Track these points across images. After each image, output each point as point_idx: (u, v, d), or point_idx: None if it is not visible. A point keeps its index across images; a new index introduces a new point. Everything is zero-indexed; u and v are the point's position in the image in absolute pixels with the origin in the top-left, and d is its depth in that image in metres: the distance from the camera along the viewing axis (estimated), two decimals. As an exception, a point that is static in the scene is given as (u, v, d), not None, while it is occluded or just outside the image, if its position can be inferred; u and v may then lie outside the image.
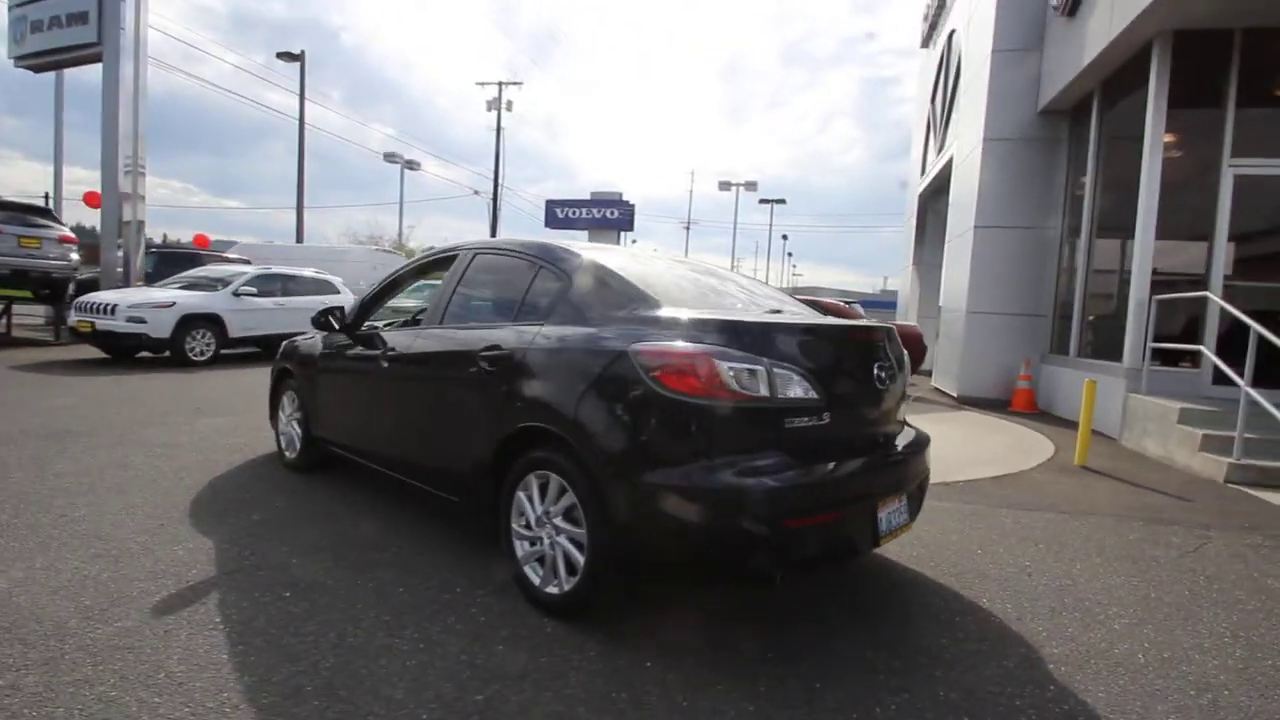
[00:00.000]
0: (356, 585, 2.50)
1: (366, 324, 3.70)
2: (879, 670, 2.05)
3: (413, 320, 3.77)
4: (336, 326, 3.64)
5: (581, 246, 2.76)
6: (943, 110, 12.43)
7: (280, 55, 20.97)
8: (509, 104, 32.99)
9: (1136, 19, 5.83)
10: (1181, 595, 2.75)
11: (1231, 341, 5.48)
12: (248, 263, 12.43)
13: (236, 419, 5.53)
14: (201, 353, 9.18)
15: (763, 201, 48.83)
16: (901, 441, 2.52)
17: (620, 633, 2.20)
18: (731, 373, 1.96)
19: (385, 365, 3.13)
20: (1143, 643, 2.32)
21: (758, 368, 1.99)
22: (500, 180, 32.75)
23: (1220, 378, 5.65)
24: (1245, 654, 2.27)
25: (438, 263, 3.35)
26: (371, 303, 3.70)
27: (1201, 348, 5.57)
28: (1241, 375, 4.69)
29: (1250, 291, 5.95)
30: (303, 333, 4.23)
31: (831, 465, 2.11)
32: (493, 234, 31.85)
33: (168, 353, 8.90)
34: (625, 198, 41.49)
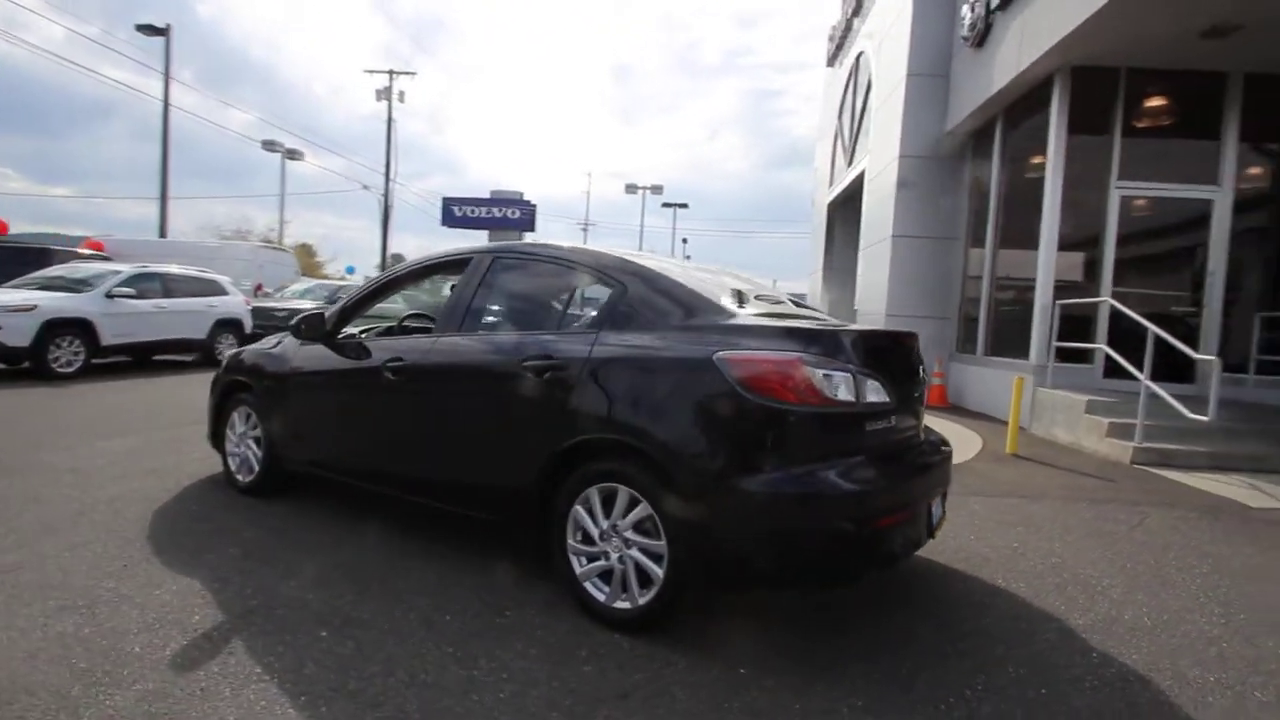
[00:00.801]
0: (396, 617, 2.29)
1: (346, 332, 3.41)
2: (949, 655, 2.17)
3: (404, 329, 3.53)
4: (316, 336, 3.31)
5: (621, 251, 2.70)
6: (852, 126, 13.29)
7: (141, 28, 18.75)
8: (401, 94, 30.59)
9: (1042, 55, 6.55)
10: (1149, 564, 3.13)
11: (1117, 341, 6.28)
12: (107, 259, 11.02)
13: (140, 438, 4.89)
14: (68, 363, 7.97)
15: (665, 205, 49.87)
16: (933, 439, 2.68)
17: (698, 644, 2.17)
18: (824, 379, 2.00)
19: (393, 377, 2.89)
20: (1142, 609, 2.61)
21: (845, 374, 2.04)
22: (392, 175, 30.47)
23: (1110, 372, 6.47)
24: (1222, 610, 2.62)
25: (445, 266, 3.14)
26: (353, 309, 3.40)
27: (1103, 346, 6.34)
28: (1140, 371, 5.39)
29: (1131, 297, 6.84)
30: (223, 340, 3.80)
31: (902, 465, 2.20)
32: (385, 232, 29.94)
33: (27, 364, 7.70)
34: (525, 197, 40.95)
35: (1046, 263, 6.94)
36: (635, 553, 2.21)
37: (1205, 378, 6.12)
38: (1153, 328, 5.39)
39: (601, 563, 2.29)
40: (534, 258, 2.82)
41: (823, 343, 2.09)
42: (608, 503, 2.27)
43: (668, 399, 2.14)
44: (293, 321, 3.36)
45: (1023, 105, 7.70)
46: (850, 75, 13.56)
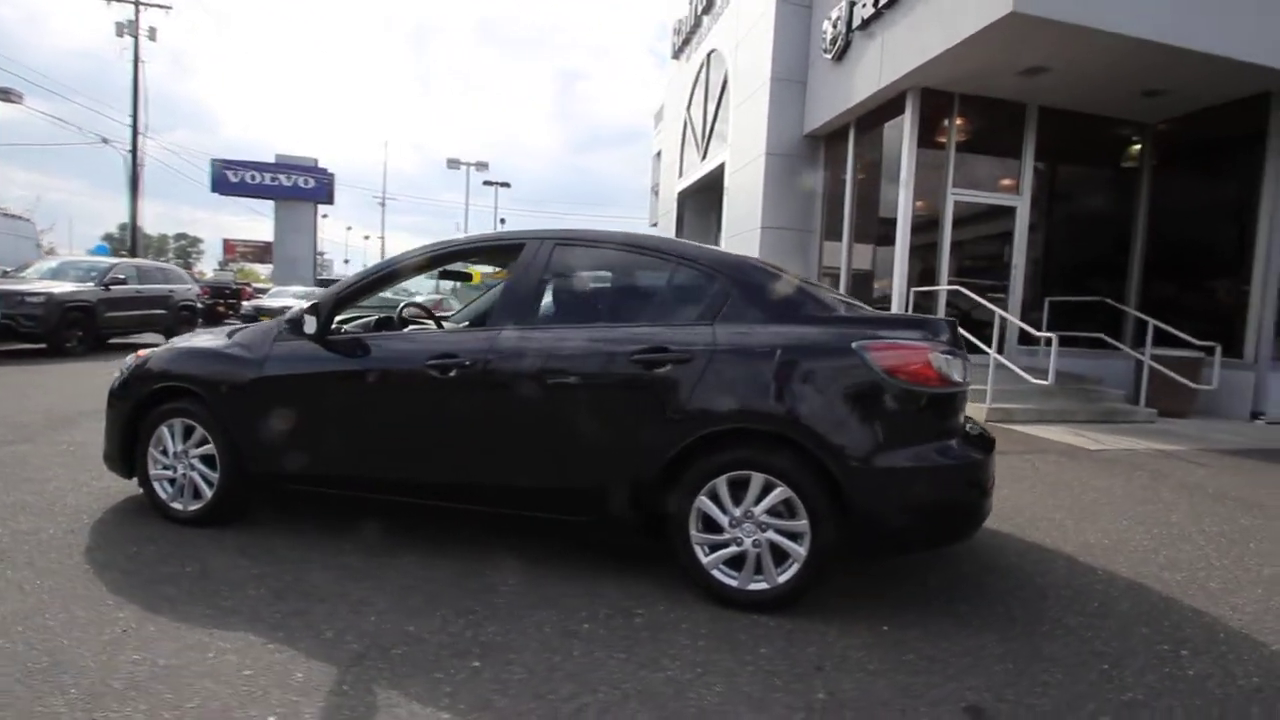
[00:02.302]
0: (533, 634, 2.14)
1: (345, 326, 2.96)
2: (1016, 618, 2.53)
3: (403, 321, 3.14)
4: (311, 330, 2.82)
5: (693, 243, 2.71)
6: (704, 120, 14.06)
7: None
8: (151, 31, 24.53)
9: (901, 77, 7.60)
10: (1068, 497, 3.95)
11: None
12: None
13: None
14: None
15: (487, 184, 47.93)
16: None
17: (826, 613, 2.34)
18: (945, 362, 2.27)
19: (443, 376, 2.59)
20: (1086, 527, 3.33)
21: (955, 357, 2.33)
22: (141, 129, 24.11)
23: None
24: (1116, 515, 3.44)
25: (482, 252, 2.87)
26: (347, 299, 2.95)
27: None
28: (988, 346, 6.63)
29: (962, 285, 8.29)
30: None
31: (979, 435, 2.57)
32: (134, 197, 24.21)
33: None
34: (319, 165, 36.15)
35: (902, 256, 8.12)
36: (771, 535, 2.31)
37: (1013, 351, 7.72)
38: (1000, 311, 6.66)
39: (731, 549, 2.35)
40: (609, 246, 2.71)
41: (937, 329, 2.36)
42: (736, 490, 2.33)
43: (809, 386, 2.26)
44: (286, 317, 2.82)
45: (875, 116, 8.84)
46: (701, 71, 14.29)
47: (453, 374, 2.59)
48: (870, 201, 9.27)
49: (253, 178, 35.34)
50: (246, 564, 2.60)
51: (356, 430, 2.79)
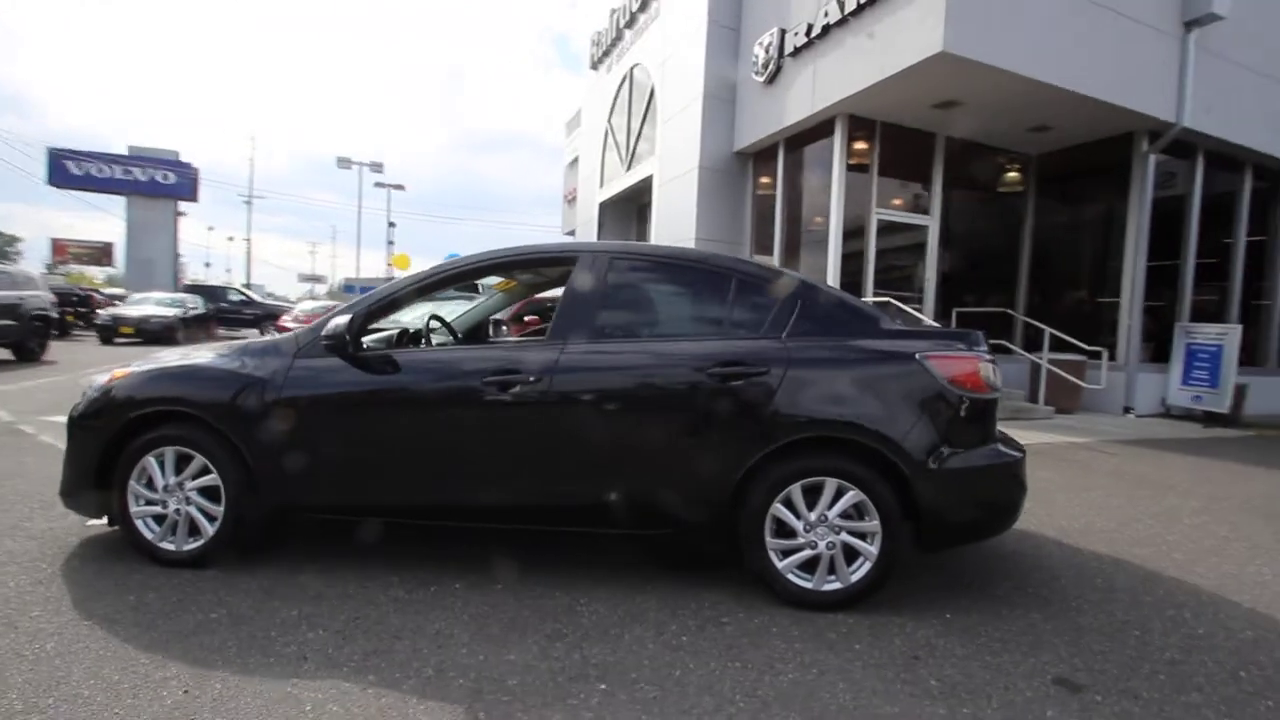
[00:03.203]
0: (638, 650, 2.13)
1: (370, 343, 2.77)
2: (1047, 599, 2.89)
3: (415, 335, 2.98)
4: (343, 346, 2.61)
5: (749, 259, 2.80)
6: (628, 132, 14.25)
7: None
8: None
9: (832, 104, 8.16)
10: (1078, 494, 4.42)
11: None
12: None
13: None
14: None
15: (380, 185, 45.41)
16: None
17: (893, 605, 2.50)
18: (991, 371, 2.51)
19: (505, 394, 2.50)
20: (1045, 507, 3.76)
21: (996, 365, 2.58)
22: None
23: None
24: (1069, 487, 3.93)
25: (531, 264, 2.79)
26: (379, 313, 2.77)
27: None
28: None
29: (885, 297, 8.99)
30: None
31: (1012, 439, 2.85)
32: None
33: None
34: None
35: (834, 270, 8.69)
36: (844, 537, 2.44)
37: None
38: (923, 318, 7.28)
39: (805, 553, 2.45)
40: (667, 261, 2.75)
41: (976, 340, 2.60)
42: (810, 495, 2.44)
43: (880, 395, 2.42)
44: (323, 333, 2.58)
45: (804, 137, 9.41)
46: (624, 83, 14.49)
47: (515, 390, 2.50)
48: (799, 216, 9.83)
49: (100, 170, 31.43)
50: (280, 605, 2.37)
51: (401, 453, 2.62)
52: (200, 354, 2.86)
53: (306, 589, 2.50)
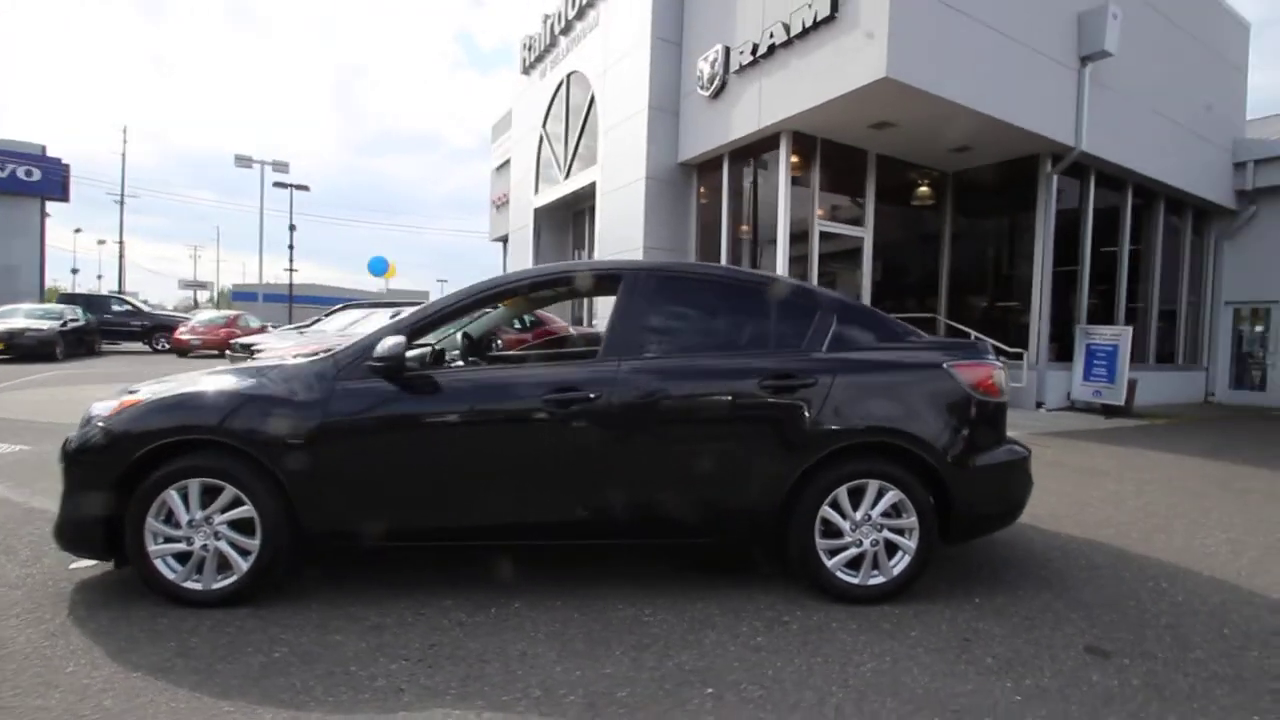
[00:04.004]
0: (722, 654, 2.23)
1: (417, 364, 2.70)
2: (1048, 580, 3.23)
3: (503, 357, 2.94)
4: (392, 366, 2.55)
5: (786, 277, 2.98)
6: (566, 139, 14.25)
7: None
8: None
9: (778, 121, 8.59)
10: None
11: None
12: None
13: None
14: None
15: (280, 185, 42.52)
16: None
17: (923, 599, 2.74)
18: (1003, 377, 2.81)
19: (576, 408, 2.54)
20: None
21: (1005, 371, 2.88)
22: None
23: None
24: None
25: (573, 283, 2.82)
26: (420, 334, 2.72)
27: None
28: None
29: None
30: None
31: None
32: None
33: None
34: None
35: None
36: (886, 534, 2.65)
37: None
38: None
39: (851, 551, 2.64)
40: (710, 279, 2.87)
41: (984, 350, 2.89)
42: (854, 497, 2.64)
43: (916, 402, 2.66)
44: (378, 354, 2.50)
45: (749, 150, 9.81)
46: (560, 89, 14.48)
47: (575, 408, 2.54)
48: (741, 226, 10.21)
49: (-50, 166, 27.74)
50: (342, 638, 2.30)
51: (460, 476, 2.59)
52: (219, 379, 2.69)
53: (361, 620, 2.42)
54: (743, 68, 9.16)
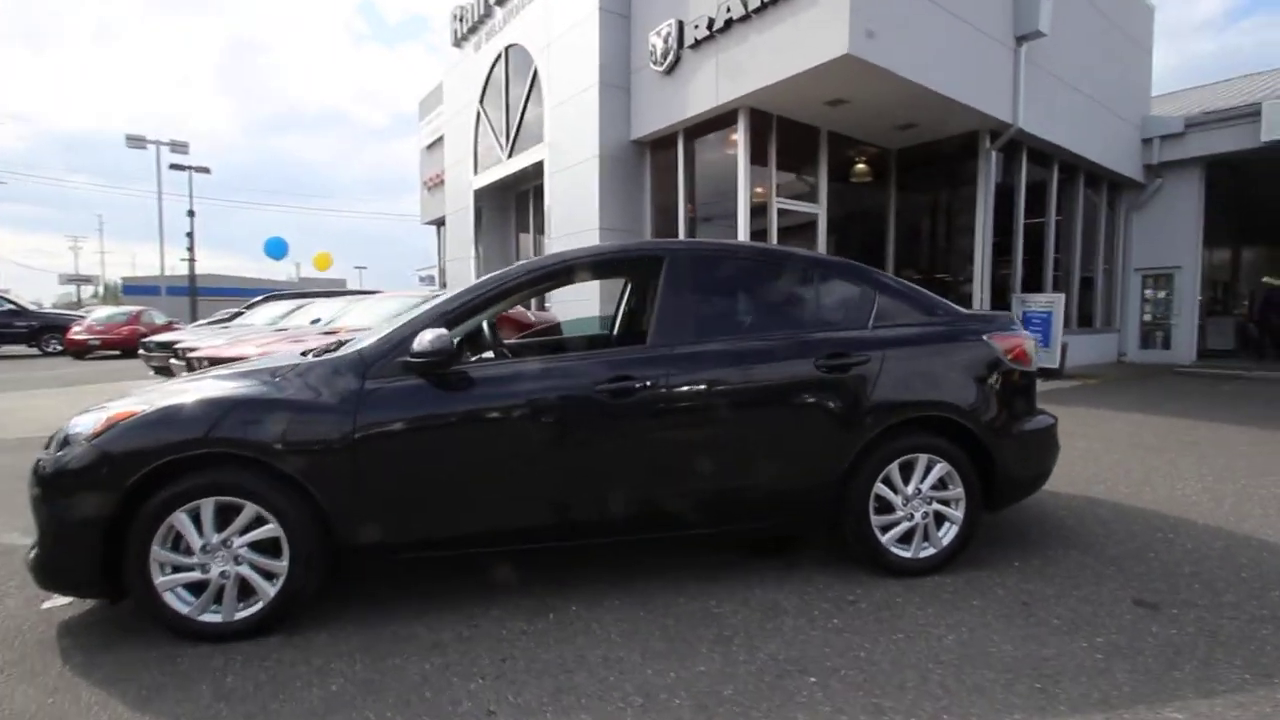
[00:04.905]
0: (808, 643, 2.20)
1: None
2: (1069, 539, 3.37)
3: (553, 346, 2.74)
4: (424, 363, 2.33)
5: (822, 253, 2.94)
6: (508, 117, 13.71)
7: None
8: None
9: (737, 98, 8.54)
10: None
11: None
12: None
13: None
14: None
15: (178, 168, 38.89)
16: None
17: (964, 568, 2.80)
18: (1032, 347, 2.89)
19: (632, 399, 2.41)
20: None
21: (1035, 342, 2.97)
22: None
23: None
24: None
25: (610, 266, 2.66)
26: (459, 320, 2.52)
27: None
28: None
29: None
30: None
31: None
32: None
33: None
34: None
35: (743, 255, 9.13)
36: (935, 506, 2.69)
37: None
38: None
39: (903, 525, 2.67)
40: (750, 257, 2.79)
41: (1012, 320, 2.96)
42: (905, 472, 2.66)
43: (962, 374, 2.70)
44: (419, 350, 2.27)
45: (705, 127, 9.73)
46: (499, 63, 13.88)
47: (631, 398, 2.42)
48: (702, 205, 10.17)
49: None
50: (401, 661, 2.13)
51: (514, 475, 2.42)
52: (223, 384, 2.39)
53: (412, 640, 2.24)
54: (698, 42, 9.02)
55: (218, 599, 2.26)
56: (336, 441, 2.26)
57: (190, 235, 29.96)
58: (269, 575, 2.28)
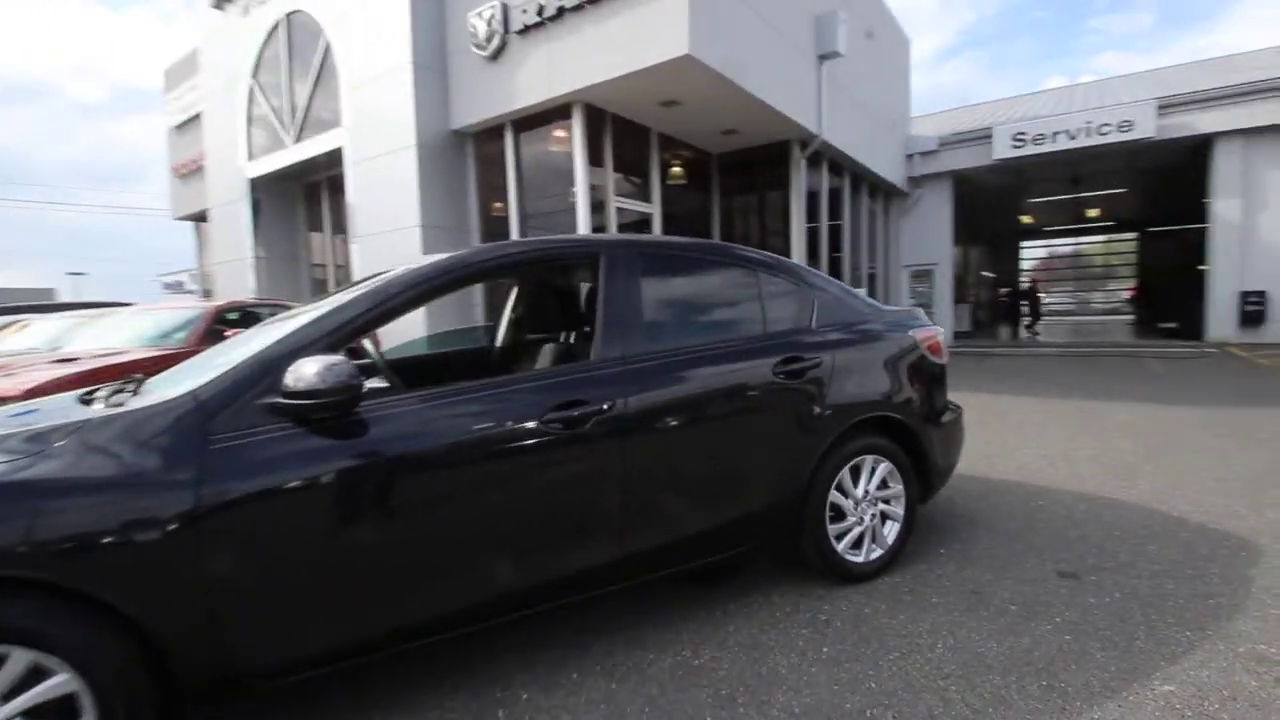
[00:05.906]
0: (807, 667, 1.98)
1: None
2: (997, 527, 3.56)
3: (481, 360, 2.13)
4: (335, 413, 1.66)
5: (763, 251, 2.73)
6: (294, 96, 11.82)
7: None
8: None
9: (572, 91, 8.22)
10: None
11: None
12: None
13: None
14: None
15: None
16: None
17: (906, 566, 2.81)
18: (943, 341, 3.00)
19: (589, 426, 1.96)
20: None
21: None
22: None
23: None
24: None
25: (539, 264, 2.17)
26: (346, 341, 1.85)
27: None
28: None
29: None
30: None
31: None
32: None
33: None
34: None
35: (585, 254, 8.84)
36: (880, 507, 2.66)
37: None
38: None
39: (854, 531, 2.59)
40: (691, 254, 2.46)
41: (922, 316, 3.04)
42: (856, 475, 2.58)
43: (900, 372, 2.68)
44: (297, 388, 1.57)
45: (535, 120, 9.24)
46: (277, 32, 11.94)
47: (589, 425, 1.98)
48: (533, 202, 9.67)
49: None
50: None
51: (448, 546, 1.83)
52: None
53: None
54: (527, 28, 8.50)
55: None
56: (167, 528, 1.51)
57: None
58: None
